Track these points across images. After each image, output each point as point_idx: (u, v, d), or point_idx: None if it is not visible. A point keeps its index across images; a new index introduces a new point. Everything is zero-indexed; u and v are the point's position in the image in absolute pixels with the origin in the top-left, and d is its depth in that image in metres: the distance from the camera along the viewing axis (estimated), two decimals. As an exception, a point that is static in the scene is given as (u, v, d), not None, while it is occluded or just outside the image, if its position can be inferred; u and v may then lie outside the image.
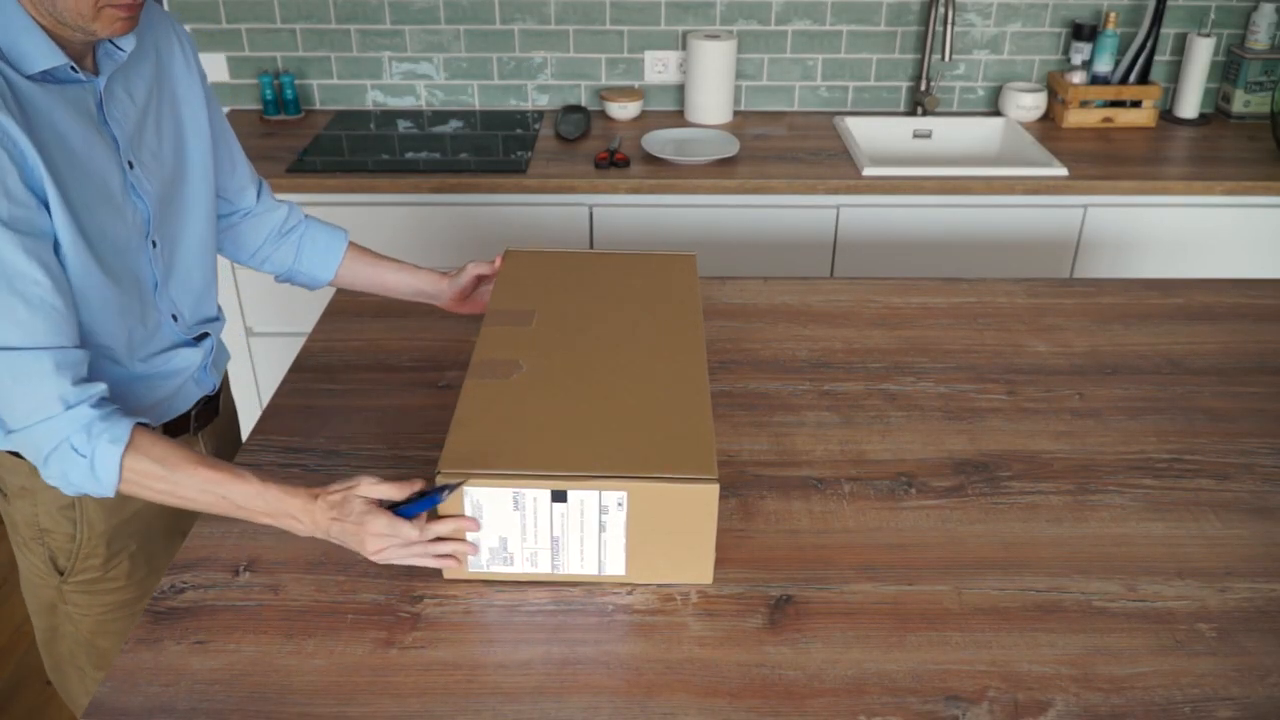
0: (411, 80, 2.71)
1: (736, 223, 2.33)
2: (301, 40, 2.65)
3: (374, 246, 2.31)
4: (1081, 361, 1.51)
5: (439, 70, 2.69)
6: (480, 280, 1.46)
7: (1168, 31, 2.67)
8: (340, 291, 1.70)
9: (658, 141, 2.46)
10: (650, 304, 1.32)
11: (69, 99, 1.09)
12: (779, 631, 1.04)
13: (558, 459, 1.05)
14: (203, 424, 1.38)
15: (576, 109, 2.67)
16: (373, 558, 1.07)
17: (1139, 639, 1.04)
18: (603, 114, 2.70)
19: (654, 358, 1.21)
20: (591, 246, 2.36)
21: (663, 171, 2.31)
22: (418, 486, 1.08)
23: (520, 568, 1.08)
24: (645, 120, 2.66)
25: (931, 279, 1.75)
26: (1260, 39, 2.62)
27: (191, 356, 1.30)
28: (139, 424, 1.07)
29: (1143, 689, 0.98)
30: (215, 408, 1.41)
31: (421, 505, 1.07)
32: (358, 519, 1.06)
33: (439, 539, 1.08)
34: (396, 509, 1.07)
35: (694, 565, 1.09)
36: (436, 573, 1.11)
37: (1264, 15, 2.59)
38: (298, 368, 1.50)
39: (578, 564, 1.08)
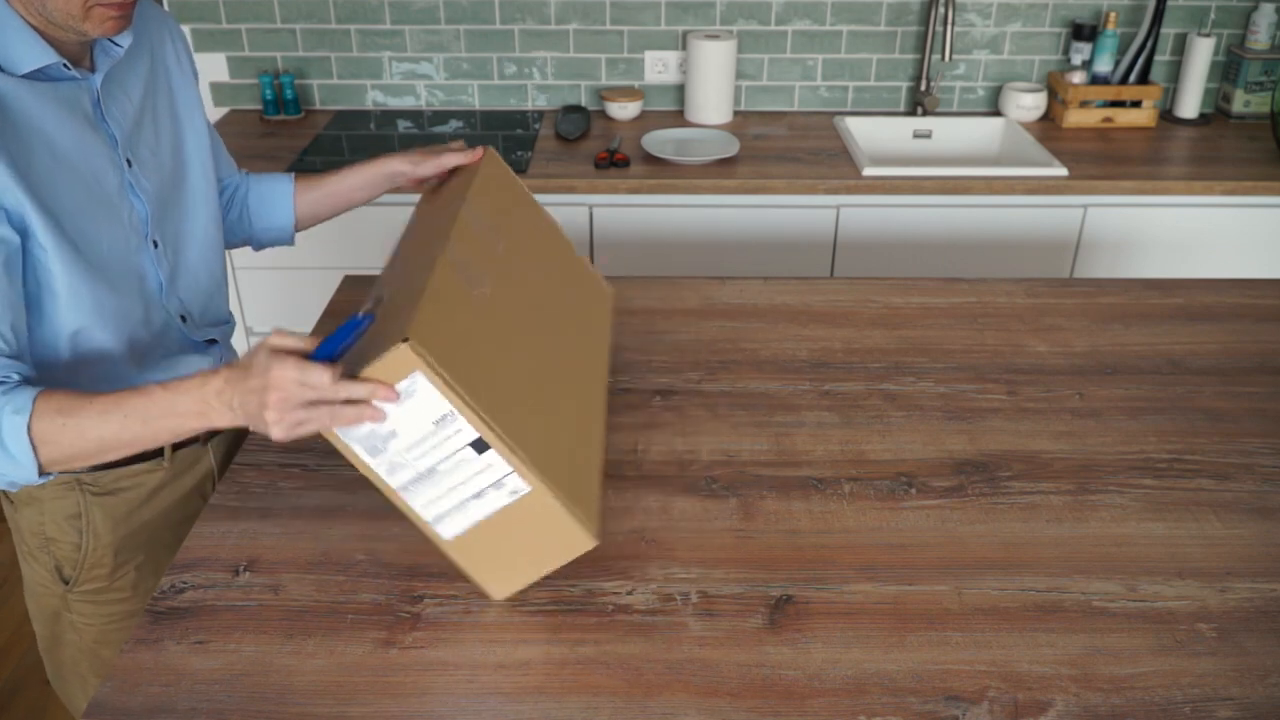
0: (411, 80, 2.71)
1: (736, 223, 2.33)
2: (301, 40, 2.66)
3: (373, 248, 2.33)
4: (1081, 361, 1.51)
5: (439, 70, 2.69)
6: (453, 171, 1.34)
7: (1168, 31, 2.67)
8: (340, 291, 1.70)
9: (658, 141, 2.46)
10: (582, 320, 1.30)
11: (61, 97, 1.09)
12: (779, 631, 1.04)
13: (499, 411, 0.98)
14: (213, 434, 1.36)
15: (576, 109, 2.67)
16: (274, 425, 0.93)
17: (1139, 639, 1.04)
18: (603, 114, 2.70)
19: (584, 382, 1.20)
20: (591, 246, 2.36)
21: (663, 171, 2.31)
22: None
23: (376, 466, 0.98)
24: (645, 120, 2.66)
25: (931, 279, 1.75)
26: (1260, 39, 2.62)
27: (199, 363, 1.29)
28: (43, 391, 1.01)
29: (1143, 689, 0.98)
30: None
31: (337, 338, 0.95)
32: (262, 372, 0.93)
33: (350, 402, 0.94)
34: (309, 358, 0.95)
35: (506, 579, 1.06)
36: (437, 573, 1.11)
37: (1264, 15, 2.59)
38: (298, 368, 1.49)
39: (423, 502, 1.01)
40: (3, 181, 1.02)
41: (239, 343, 2.43)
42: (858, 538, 1.17)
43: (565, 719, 0.95)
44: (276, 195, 1.44)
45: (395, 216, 2.32)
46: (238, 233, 1.47)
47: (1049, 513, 1.21)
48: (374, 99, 2.73)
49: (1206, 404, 1.41)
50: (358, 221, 2.30)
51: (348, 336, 0.97)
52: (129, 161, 1.16)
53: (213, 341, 1.32)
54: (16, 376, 1.03)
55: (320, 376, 0.92)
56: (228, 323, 1.37)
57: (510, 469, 0.98)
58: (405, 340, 0.91)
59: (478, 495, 1.00)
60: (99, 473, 1.25)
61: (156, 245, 1.21)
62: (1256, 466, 1.29)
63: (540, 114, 2.70)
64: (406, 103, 2.74)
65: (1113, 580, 1.11)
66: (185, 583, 1.10)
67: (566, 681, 0.99)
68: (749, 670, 1.00)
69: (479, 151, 1.31)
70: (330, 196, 1.45)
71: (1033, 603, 1.08)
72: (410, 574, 1.11)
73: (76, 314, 1.12)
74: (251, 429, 0.98)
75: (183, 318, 1.27)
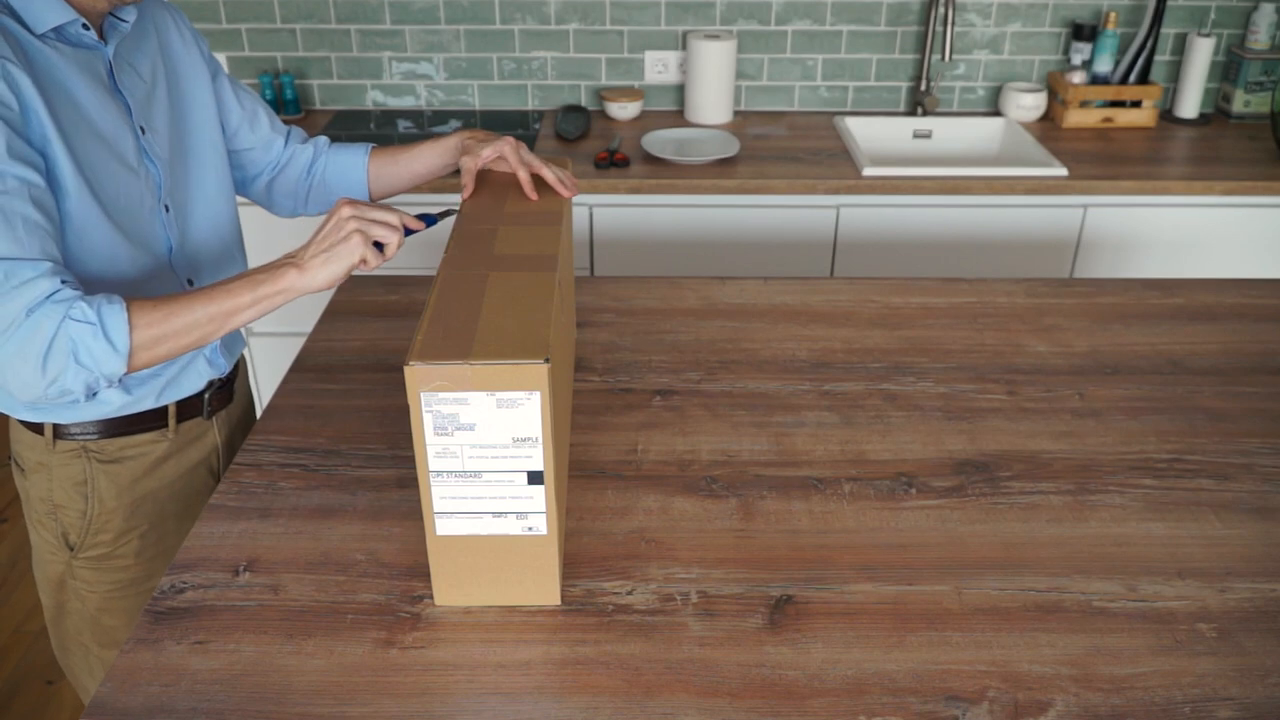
0: (411, 80, 2.71)
1: (736, 223, 2.33)
2: (301, 40, 2.65)
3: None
4: (1081, 361, 1.51)
5: (439, 70, 2.69)
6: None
7: (1168, 31, 2.67)
8: (340, 291, 1.70)
9: (658, 141, 2.46)
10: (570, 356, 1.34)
11: (81, 62, 1.15)
12: (779, 631, 1.04)
13: (560, 453, 1.03)
14: (216, 408, 1.40)
15: (576, 109, 2.67)
16: (354, 232, 1.11)
17: (1139, 639, 1.04)
18: (603, 114, 2.70)
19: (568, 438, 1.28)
20: (591, 246, 2.36)
21: (663, 171, 2.31)
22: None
23: (431, 444, 0.98)
24: (645, 120, 2.66)
25: (931, 279, 1.75)
26: (1260, 39, 2.62)
27: None
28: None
29: (1143, 689, 0.98)
30: (230, 394, 1.43)
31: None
32: (328, 217, 1.13)
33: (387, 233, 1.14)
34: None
35: (462, 592, 1.06)
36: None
37: (1264, 15, 2.59)
38: (298, 368, 1.50)
39: (443, 494, 1.01)
40: (39, 118, 1.07)
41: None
42: (858, 538, 1.17)
43: (565, 719, 0.95)
44: (351, 171, 1.49)
45: (395, 216, 2.32)
46: (317, 203, 1.52)
47: (1049, 513, 1.21)
48: (374, 99, 2.73)
49: (1206, 404, 1.41)
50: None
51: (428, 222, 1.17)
52: (142, 129, 1.22)
53: None
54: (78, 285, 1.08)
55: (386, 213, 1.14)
56: None
57: (543, 510, 1.01)
58: (546, 360, 0.94)
59: (498, 515, 1.02)
60: (105, 441, 1.28)
61: (168, 210, 1.27)
62: (1256, 466, 1.29)
63: (540, 114, 2.70)
64: (406, 103, 2.73)
65: (1113, 580, 1.11)
66: (185, 583, 1.10)
67: (566, 681, 0.99)
68: (749, 670, 1.00)
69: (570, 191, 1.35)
70: (404, 173, 1.49)
71: (1033, 603, 1.08)
72: (410, 574, 1.11)
73: (91, 263, 1.16)
74: (336, 270, 1.11)
75: (190, 281, 1.31)
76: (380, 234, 1.14)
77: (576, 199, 2.29)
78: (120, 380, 1.09)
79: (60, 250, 1.11)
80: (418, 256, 2.35)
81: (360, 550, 1.15)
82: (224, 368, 1.39)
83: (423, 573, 1.11)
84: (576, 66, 2.70)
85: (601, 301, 1.67)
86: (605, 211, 2.32)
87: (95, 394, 1.09)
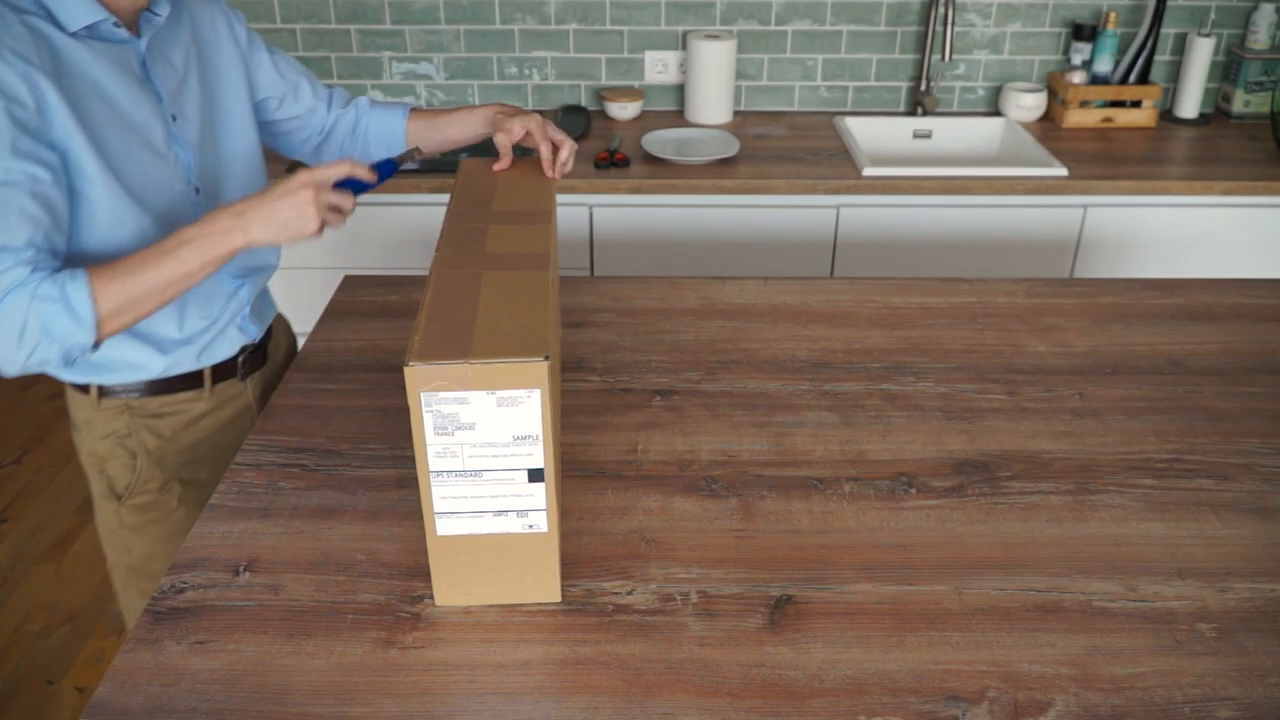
0: (411, 80, 2.71)
1: (736, 223, 2.33)
2: (301, 40, 2.65)
3: (373, 248, 2.33)
4: (1081, 361, 1.51)
5: (439, 70, 2.69)
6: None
7: (1168, 31, 2.67)
8: (340, 291, 1.71)
9: (658, 141, 2.46)
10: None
11: (113, 57, 1.21)
12: (779, 631, 1.04)
13: (557, 448, 1.04)
14: (250, 370, 1.47)
15: (576, 109, 2.67)
16: (307, 206, 1.16)
17: (1139, 639, 1.04)
18: (603, 114, 2.70)
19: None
20: (591, 246, 2.36)
21: (663, 171, 2.31)
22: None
23: (431, 444, 0.98)
24: (645, 120, 2.66)
25: (931, 279, 1.75)
26: (1260, 39, 2.62)
27: (227, 303, 1.40)
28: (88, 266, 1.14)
29: (1143, 689, 0.98)
30: (263, 357, 1.51)
31: (379, 168, 1.24)
32: (282, 182, 1.16)
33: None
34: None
35: (462, 592, 1.06)
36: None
37: (1264, 15, 2.59)
38: (298, 368, 1.50)
39: (443, 494, 1.01)
40: (60, 115, 1.13)
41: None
42: (858, 538, 1.17)
43: (565, 719, 0.95)
44: (391, 134, 1.58)
45: (394, 217, 2.32)
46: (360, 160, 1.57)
47: (1049, 513, 1.21)
48: (374, 99, 2.73)
49: (1206, 404, 1.41)
50: (358, 221, 2.30)
51: (386, 171, 1.25)
52: (174, 117, 1.29)
53: (242, 285, 1.43)
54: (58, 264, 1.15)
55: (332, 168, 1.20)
56: (262, 269, 1.47)
57: (544, 508, 1.01)
58: (546, 358, 0.94)
59: (499, 514, 1.02)
60: (146, 399, 1.37)
61: (199, 192, 1.33)
62: (1256, 466, 1.29)
63: (540, 114, 2.70)
64: (406, 103, 2.73)
65: (1113, 580, 1.11)
66: (185, 583, 1.10)
67: (566, 681, 0.99)
68: (749, 670, 1.00)
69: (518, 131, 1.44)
70: (440, 138, 1.57)
71: (1033, 603, 1.08)
72: (410, 574, 1.11)
73: (122, 239, 1.22)
74: (281, 240, 1.17)
75: None
76: (334, 220, 1.20)
77: (577, 199, 2.30)
78: (95, 346, 1.14)
79: (71, 239, 1.18)
80: (418, 256, 2.36)
81: (360, 550, 1.15)
82: (255, 334, 1.47)
83: (423, 573, 1.11)
84: (576, 66, 2.70)
85: (601, 301, 1.67)
86: (605, 211, 2.32)
87: (74, 361, 1.15)
